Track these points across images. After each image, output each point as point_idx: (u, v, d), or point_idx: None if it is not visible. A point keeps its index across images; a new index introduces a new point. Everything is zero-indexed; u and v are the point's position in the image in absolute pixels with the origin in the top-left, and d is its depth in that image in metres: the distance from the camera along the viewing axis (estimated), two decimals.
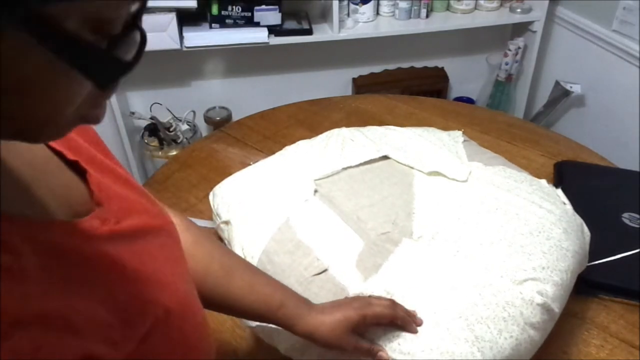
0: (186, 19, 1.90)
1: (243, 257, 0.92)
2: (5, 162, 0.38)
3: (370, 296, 0.74)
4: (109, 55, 0.33)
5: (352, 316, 0.66)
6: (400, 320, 0.69)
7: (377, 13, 2.12)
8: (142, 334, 0.39)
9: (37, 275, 0.34)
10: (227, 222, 0.96)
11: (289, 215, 0.91)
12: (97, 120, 0.38)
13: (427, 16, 2.11)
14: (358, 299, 0.72)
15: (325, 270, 0.81)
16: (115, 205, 0.45)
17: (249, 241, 0.91)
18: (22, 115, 0.32)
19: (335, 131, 1.13)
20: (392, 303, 0.71)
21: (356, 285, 0.79)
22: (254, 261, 0.89)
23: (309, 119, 1.43)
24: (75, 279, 0.36)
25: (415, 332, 0.70)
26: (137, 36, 0.35)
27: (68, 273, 0.36)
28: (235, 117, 2.12)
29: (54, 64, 0.30)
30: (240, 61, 2.15)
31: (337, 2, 1.91)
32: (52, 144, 0.44)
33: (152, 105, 2.03)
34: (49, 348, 0.32)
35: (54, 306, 0.33)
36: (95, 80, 0.33)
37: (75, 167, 0.45)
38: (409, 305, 0.74)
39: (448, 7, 2.17)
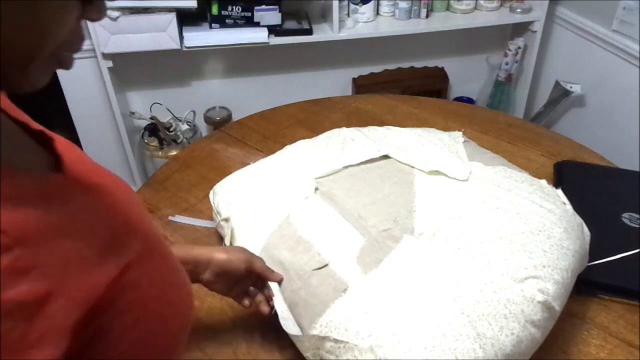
0: (186, 19, 1.91)
1: None
2: None
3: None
4: None
5: (242, 257, 0.78)
6: (267, 277, 0.81)
7: (377, 13, 2.12)
8: (122, 265, 0.41)
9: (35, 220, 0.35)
10: (227, 220, 0.97)
11: (290, 212, 0.91)
12: (69, 64, 0.39)
13: (427, 16, 2.11)
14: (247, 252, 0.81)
15: (325, 265, 0.81)
16: (78, 167, 0.47)
17: (249, 238, 0.91)
18: (11, 42, 0.33)
19: (336, 131, 1.14)
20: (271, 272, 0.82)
21: (356, 279, 0.79)
22: None
23: (309, 119, 1.43)
24: (63, 221, 0.38)
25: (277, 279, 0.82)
26: None
27: (56, 217, 0.37)
28: (235, 117, 2.12)
29: None
30: (240, 61, 2.15)
31: (337, 2, 1.91)
32: (16, 115, 0.45)
33: (152, 105, 2.03)
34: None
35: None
36: None
37: (38, 137, 0.46)
38: (409, 301, 0.74)
39: (448, 7, 2.17)
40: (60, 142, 0.48)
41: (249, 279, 0.81)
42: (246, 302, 0.82)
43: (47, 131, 0.47)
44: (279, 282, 0.83)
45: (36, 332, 0.32)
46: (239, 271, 0.78)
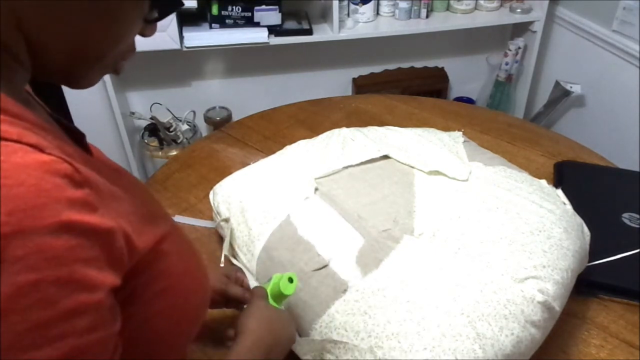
0: (186, 19, 1.91)
1: (243, 254, 0.92)
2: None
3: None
4: None
5: (215, 285, 0.76)
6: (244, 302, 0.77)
7: (377, 13, 2.12)
8: (158, 236, 0.46)
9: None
10: (227, 220, 0.97)
11: (290, 212, 0.91)
12: (122, 70, 0.47)
13: (427, 16, 2.11)
14: (221, 273, 0.80)
15: (325, 266, 0.81)
16: (103, 161, 0.52)
17: (248, 238, 0.91)
18: (87, 44, 0.40)
19: (336, 131, 1.14)
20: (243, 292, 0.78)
21: (356, 280, 0.79)
22: (253, 258, 0.89)
23: (309, 119, 1.43)
24: (109, 186, 0.42)
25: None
26: None
27: (103, 181, 0.41)
28: (235, 117, 2.12)
29: None
30: (240, 61, 2.15)
31: (337, 2, 1.91)
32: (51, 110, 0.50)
33: (152, 105, 2.03)
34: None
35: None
36: (159, 9, 0.44)
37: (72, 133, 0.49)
38: (409, 302, 0.74)
39: (448, 7, 2.17)
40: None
41: (231, 302, 0.80)
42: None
43: (78, 128, 0.51)
44: None
45: (106, 257, 0.37)
46: (216, 302, 0.78)
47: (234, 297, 0.79)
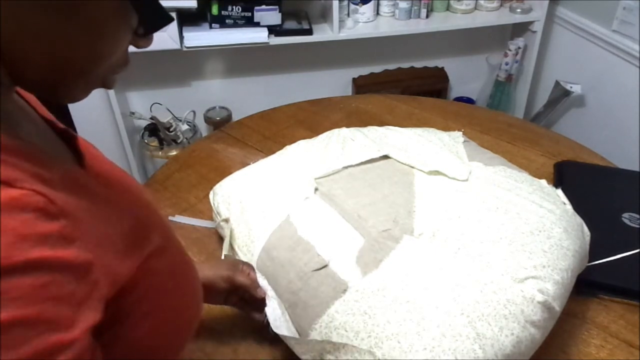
0: (186, 19, 1.91)
1: (243, 254, 0.92)
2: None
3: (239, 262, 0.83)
4: (159, 6, 0.42)
5: (224, 274, 0.77)
6: (258, 293, 0.79)
7: (377, 13, 2.12)
8: (145, 255, 0.44)
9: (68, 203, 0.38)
10: (227, 220, 0.97)
11: (289, 212, 0.91)
12: (113, 84, 0.45)
13: (427, 16, 2.11)
14: (229, 263, 0.81)
15: (325, 266, 0.81)
16: (97, 165, 0.50)
17: (248, 238, 0.91)
18: (73, 58, 0.38)
19: (336, 131, 1.14)
20: (254, 280, 0.81)
21: (356, 280, 0.79)
22: (253, 258, 0.89)
23: (309, 119, 1.43)
24: (93, 208, 0.40)
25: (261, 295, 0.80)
26: None
27: (87, 203, 0.40)
28: (235, 117, 2.12)
29: (120, 7, 0.38)
30: (240, 61, 2.15)
31: (337, 2, 1.91)
32: (43, 113, 0.48)
33: (152, 105, 2.03)
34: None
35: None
36: (145, 25, 0.41)
37: (63, 136, 0.49)
38: (409, 302, 0.74)
39: (448, 7, 2.17)
40: (80, 141, 0.50)
41: (238, 291, 0.80)
42: (256, 316, 0.81)
43: (70, 130, 0.50)
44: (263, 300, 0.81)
45: (83, 293, 0.35)
46: (222, 289, 0.78)
47: (240, 285, 0.79)
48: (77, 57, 0.39)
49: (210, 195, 1.04)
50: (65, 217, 0.35)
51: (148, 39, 0.44)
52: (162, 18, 0.43)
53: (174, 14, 1.78)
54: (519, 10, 2.14)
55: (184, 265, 0.52)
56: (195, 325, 0.53)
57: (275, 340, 0.82)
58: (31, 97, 0.48)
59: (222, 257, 0.96)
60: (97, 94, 2.01)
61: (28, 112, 0.45)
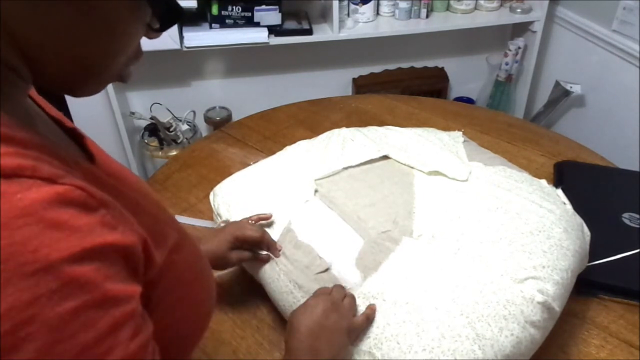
0: (186, 19, 1.90)
1: None
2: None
3: (245, 219, 0.88)
4: (173, 1, 0.43)
5: (227, 238, 0.82)
6: (266, 241, 0.85)
7: (377, 13, 2.12)
8: (168, 249, 0.46)
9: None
10: (227, 222, 0.96)
11: (290, 216, 0.91)
12: (129, 77, 0.46)
13: (427, 16, 2.11)
14: (234, 223, 0.87)
15: (327, 269, 0.81)
16: (107, 164, 0.51)
17: None
18: (89, 56, 0.40)
19: (336, 131, 1.14)
20: (262, 230, 0.86)
21: (357, 283, 0.79)
22: None
23: (309, 119, 1.43)
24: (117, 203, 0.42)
25: (277, 256, 0.85)
26: None
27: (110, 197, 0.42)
28: (235, 117, 2.12)
29: (135, 4, 0.39)
30: (240, 61, 2.15)
31: (337, 2, 1.91)
32: (50, 111, 0.49)
33: (152, 105, 2.03)
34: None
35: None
36: (160, 20, 0.43)
37: (71, 134, 0.50)
38: (408, 303, 0.74)
39: (448, 7, 2.17)
40: (88, 140, 0.52)
41: (245, 246, 0.85)
42: (263, 252, 0.86)
43: (78, 129, 0.51)
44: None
45: (128, 269, 0.38)
46: (229, 254, 0.83)
47: (251, 239, 0.83)
48: (94, 54, 0.40)
49: (211, 197, 1.04)
50: (105, 206, 0.37)
51: (160, 31, 0.45)
52: (176, 12, 0.44)
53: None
54: (519, 10, 2.14)
55: (200, 260, 0.53)
56: (210, 319, 0.55)
57: (276, 340, 0.83)
58: (37, 96, 0.49)
59: None
60: (97, 94, 2.01)
61: (37, 111, 0.46)
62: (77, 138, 0.49)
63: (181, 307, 0.48)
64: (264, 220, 0.90)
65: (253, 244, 0.85)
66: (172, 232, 0.48)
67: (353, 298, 0.75)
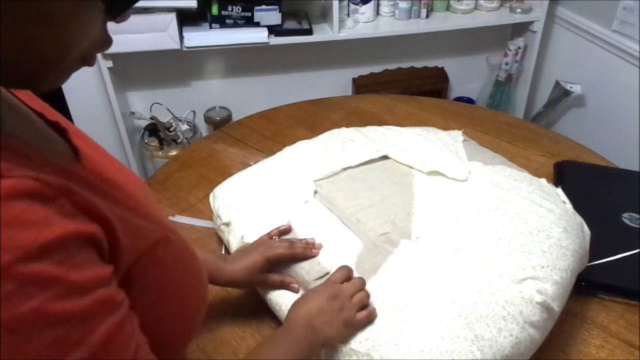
0: (186, 19, 1.91)
1: None
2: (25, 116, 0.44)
3: (272, 238, 0.88)
4: None
5: (257, 260, 0.82)
6: (299, 255, 0.84)
7: (377, 13, 2.12)
8: (148, 245, 0.45)
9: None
10: (227, 224, 0.96)
11: (290, 218, 0.91)
12: (93, 61, 0.43)
13: (427, 16, 2.11)
14: (261, 243, 0.86)
15: (326, 274, 0.81)
16: (94, 158, 0.50)
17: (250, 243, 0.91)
18: (36, 51, 0.37)
19: (336, 131, 1.13)
20: (290, 243, 0.85)
21: None
22: None
23: (309, 119, 1.43)
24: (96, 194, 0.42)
25: (314, 255, 0.84)
26: None
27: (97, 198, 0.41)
28: (235, 117, 2.12)
29: None
30: (240, 61, 2.15)
31: (337, 2, 1.91)
32: (34, 106, 0.48)
33: (152, 105, 2.03)
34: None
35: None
36: (110, 6, 0.39)
37: (55, 128, 0.49)
38: (407, 305, 0.74)
39: (448, 7, 2.17)
40: (76, 133, 0.51)
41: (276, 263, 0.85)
42: (295, 285, 0.85)
43: (64, 121, 0.50)
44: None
45: (94, 253, 0.37)
46: (262, 276, 0.84)
47: (285, 257, 0.84)
48: (45, 49, 0.38)
49: (210, 198, 1.03)
50: (64, 195, 0.36)
51: (123, 16, 0.42)
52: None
53: (174, 14, 1.78)
54: (519, 10, 2.14)
55: (190, 258, 0.53)
56: (202, 317, 0.54)
57: None
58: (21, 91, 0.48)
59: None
60: (97, 94, 2.01)
61: (14, 105, 0.45)
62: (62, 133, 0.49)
63: (165, 305, 0.47)
64: (285, 234, 0.89)
65: (285, 260, 0.84)
66: (157, 227, 0.48)
67: (367, 295, 0.76)
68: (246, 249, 0.85)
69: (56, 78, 0.41)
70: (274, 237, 0.88)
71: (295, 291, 0.84)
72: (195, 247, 0.78)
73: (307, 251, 0.85)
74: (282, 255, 0.83)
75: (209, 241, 1.04)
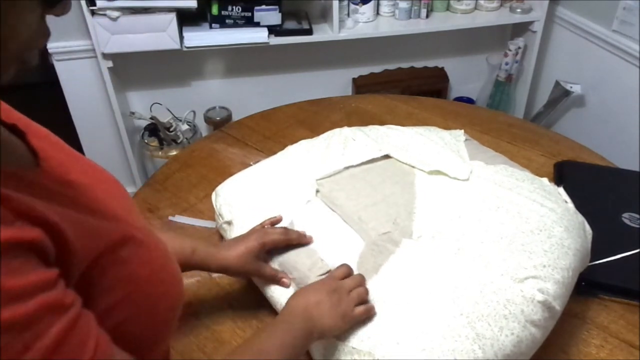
0: (186, 19, 1.91)
1: None
2: None
3: (265, 227, 0.88)
4: None
5: (253, 246, 0.81)
6: (294, 240, 0.85)
7: (377, 13, 2.12)
8: (109, 245, 0.45)
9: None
10: (229, 223, 0.96)
11: (292, 217, 0.91)
12: (34, 61, 0.41)
13: (427, 16, 2.11)
14: (255, 230, 0.86)
15: (328, 271, 0.81)
16: (56, 160, 0.49)
17: None
18: None
19: (337, 131, 1.13)
20: (285, 230, 0.86)
21: None
22: None
23: (309, 119, 1.43)
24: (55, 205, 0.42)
25: (308, 241, 0.86)
26: None
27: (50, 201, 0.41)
28: (235, 117, 2.12)
29: None
30: (240, 61, 2.15)
31: (337, 2, 1.91)
32: None
33: (152, 105, 2.03)
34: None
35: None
36: None
37: (14, 131, 0.48)
38: (408, 304, 0.74)
39: (448, 7, 2.17)
40: (38, 134, 0.50)
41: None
42: (286, 281, 0.85)
43: (23, 122, 0.49)
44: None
45: (36, 256, 0.37)
46: (257, 264, 0.83)
47: (279, 242, 0.84)
48: None
49: (213, 197, 1.03)
50: (1, 202, 0.36)
51: (63, 7, 0.40)
52: None
53: (174, 14, 1.78)
54: (519, 10, 2.14)
55: (161, 257, 0.53)
56: (176, 316, 0.54)
57: None
58: None
59: None
60: (97, 94, 2.01)
61: None
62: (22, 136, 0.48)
63: (133, 304, 0.47)
64: (276, 224, 0.90)
65: (280, 245, 0.85)
66: (121, 227, 0.48)
67: (366, 291, 0.76)
68: (240, 236, 0.86)
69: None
70: (266, 227, 0.88)
71: (286, 286, 0.84)
72: (190, 236, 0.79)
73: (301, 238, 0.85)
74: (278, 241, 0.84)
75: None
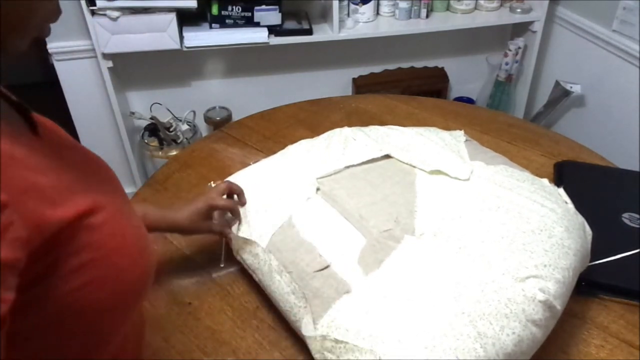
0: (186, 19, 1.91)
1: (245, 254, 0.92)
2: None
3: (213, 188, 0.94)
4: None
5: (201, 207, 0.90)
6: (235, 213, 0.94)
7: (377, 13, 2.12)
8: (80, 211, 0.48)
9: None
10: (218, 184, 0.97)
11: (292, 213, 0.91)
12: (48, 34, 0.49)
13: (427, 16, 2.11)
14: (203, 193, 0.93)
15: (327, 267, 0.81)
16: (52, 136, 0.54)
17: (251, 239, 0.91)
18: (5, 20, 0.41)
19: (338, 130, 1.14)
20: (232, 200, 0.95)
21: (358, 280, 0.79)
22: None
23: (309, 119, 1.43)
24: (31, 162, 0.45)
25: (242, 203, 0.96)
26: None
27: (24, 157, 0.45)
28: (235, 117, 2.12)
29: None
30: (240, 61, 2.15)
31: (337, 2, 1.91)
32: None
33: (152, 105, 2.03)
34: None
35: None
36: None
37: (18, 109, 0.52)
38: (410, 301, 0.74)
39: (448, 7, 2.17)
40: (38, 117, 0.54)
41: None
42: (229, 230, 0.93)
43: (24, 103, 0.54)
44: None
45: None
46: (206, 223, 0.91)
47: (224, 208, 0.93)
48: (9, 18, 0.42)
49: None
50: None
51: None
52: None
53: (174, 14, 1.78)
54: (519, 10, 2.15)
55: (133, 230, 0.55)
56: (144, 287, 0.56)
57: (276, 340, 0.82)
58: None
59: (222, 258, 0.97)
60: (97, 94, 2.01)
61: None
62: (25, 112, 0.52)
63: (96, 270, 0.49)
64: (234, 193, 0.96)
65: (225, 211, 0.94)
66: (99, 197, 0.51)
67: None
68: (190, 200, 0.92)
69: (14, 46, 0.45)
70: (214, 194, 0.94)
71: (228, 235, 0.92)
72: (194, 246, 0.80)
73: (238, 213, 0.94)
74: (223, 207, 0.92)
75: (208, 239, 1.04)
